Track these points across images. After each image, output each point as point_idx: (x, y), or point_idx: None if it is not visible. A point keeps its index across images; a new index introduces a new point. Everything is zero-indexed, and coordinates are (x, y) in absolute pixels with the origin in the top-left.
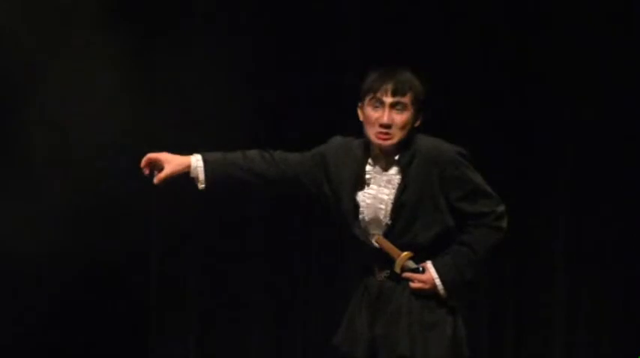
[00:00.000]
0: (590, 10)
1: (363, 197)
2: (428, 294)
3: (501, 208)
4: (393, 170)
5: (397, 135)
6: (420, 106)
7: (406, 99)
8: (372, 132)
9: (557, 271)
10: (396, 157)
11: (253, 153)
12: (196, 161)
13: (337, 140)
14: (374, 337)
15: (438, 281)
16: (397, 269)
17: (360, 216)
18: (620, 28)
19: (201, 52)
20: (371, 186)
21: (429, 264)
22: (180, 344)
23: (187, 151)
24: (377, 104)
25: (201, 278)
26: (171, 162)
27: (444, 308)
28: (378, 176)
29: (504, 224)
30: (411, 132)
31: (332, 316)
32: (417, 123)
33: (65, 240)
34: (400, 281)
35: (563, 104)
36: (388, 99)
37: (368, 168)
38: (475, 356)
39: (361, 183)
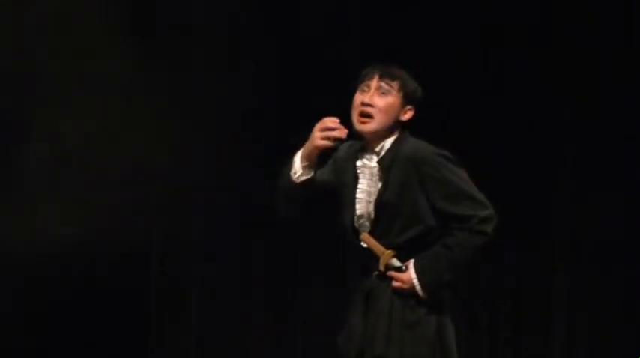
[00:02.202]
0: (590, 10)
1: (357, 192)
2: (408, 294)
3: (486, 212)
4: (374, 161)
5: (378, 119)
6: (409, 100)
7: (392, 85)
8: (355, 117)
9: (557, 271)
10: (377, 149)
11: None
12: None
13: (346, 143)
14: (363, 336)
15: (416, 282)
16: (381, 267)
17: (356, 212)
18: (620, 28)
19: (200, 52)
20: (360, 180)
21: (410, 264)
22: (180, 344)
23: (188, 149)
24: (364, 89)
25: (201, 278)
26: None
27: (426, 307)
28: (366, 169)
29: (489, 229)
30: (397, 124)
31: (332, 316)
32: (405, 117)
33: (65, 240)
34: (386, 280)
35: (563, 104)
36: (374, 83)
37: (358, 163)
38: (475, 356)
39: (356, 178)
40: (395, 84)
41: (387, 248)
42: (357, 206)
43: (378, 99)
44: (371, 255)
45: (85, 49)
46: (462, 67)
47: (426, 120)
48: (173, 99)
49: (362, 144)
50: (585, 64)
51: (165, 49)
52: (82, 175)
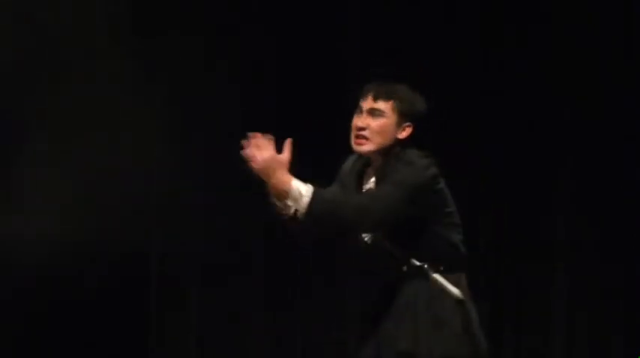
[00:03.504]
0: (590, 10)
1: None
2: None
3: (372, 216)
4: (373, 179)
5: (373, 140)
6: (405, 117)
7: (386, 106)
8: (352, 139)
9: (557, 271)
10: (376, 165)
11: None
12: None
13: (352, 156)
14: (379, 333)
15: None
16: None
17: None
18: (620, 28)
19: (200, 52)
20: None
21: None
22: (180, 344)
23: (188, 149)
24: (359, 111)
25: (201, 278)
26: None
27: (452, 302)
28: (367, 186)
29: (359, 218)
30: (395, 143)
31: (332, 316)
32: (403, 135)
33: (65, 240)
34: (407, 277)
35: (563, 104)
36: (367, 105)
37: (364, 183)
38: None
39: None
40: (389, 104)
41: None
42: None
43: (371, 121)
44: (384, 256)
45: (85, 48)
46: (462, 67)
47: (426, 121)
48: (173, 99)
49: (366, 159)
50: (585, 64)
51: (166, 49)
52: (82, 175)
